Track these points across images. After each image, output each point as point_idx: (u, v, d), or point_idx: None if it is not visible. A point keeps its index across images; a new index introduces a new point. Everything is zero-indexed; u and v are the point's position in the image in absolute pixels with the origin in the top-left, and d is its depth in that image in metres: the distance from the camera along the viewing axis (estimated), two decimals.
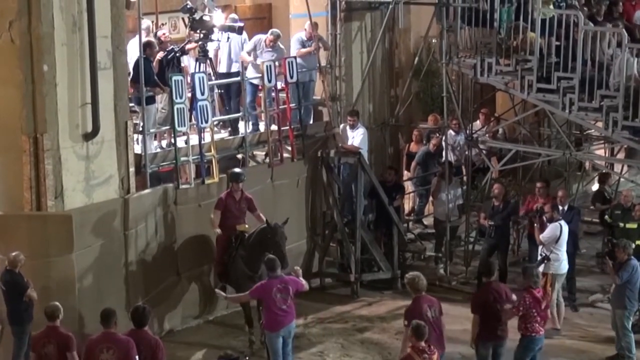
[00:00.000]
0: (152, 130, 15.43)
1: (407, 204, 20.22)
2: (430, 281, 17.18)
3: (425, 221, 20.04)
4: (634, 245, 14.81)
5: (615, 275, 14.13)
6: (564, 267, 15.42)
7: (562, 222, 15.41)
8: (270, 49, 17.27)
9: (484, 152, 18.59)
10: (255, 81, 16.96)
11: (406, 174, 20.02)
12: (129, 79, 15.02)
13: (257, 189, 16.26)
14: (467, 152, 18.46)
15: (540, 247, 15.38)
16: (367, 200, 17.57)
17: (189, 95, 15.41)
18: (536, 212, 15.87)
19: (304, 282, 13.28)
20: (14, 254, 12.97)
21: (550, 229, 15.34)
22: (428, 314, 12.04)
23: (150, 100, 15.34)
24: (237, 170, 15.45)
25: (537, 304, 12.64)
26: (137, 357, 11.12)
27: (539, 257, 15.25)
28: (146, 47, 15.36)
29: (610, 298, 14.78)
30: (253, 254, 14.47)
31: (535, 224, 15.61)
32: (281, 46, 17.46)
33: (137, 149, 15.03)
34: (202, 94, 15.39)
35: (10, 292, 13.03)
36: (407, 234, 18.69)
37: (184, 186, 15.21)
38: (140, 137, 15.25)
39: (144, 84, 14.94)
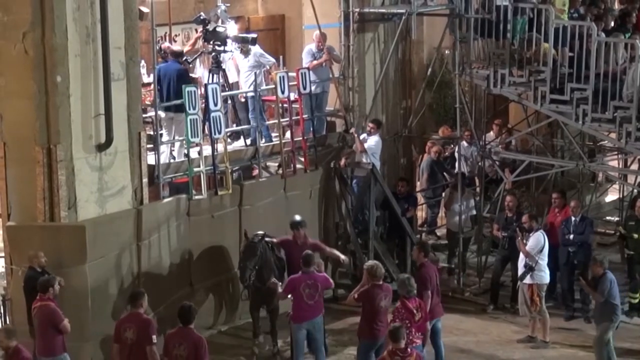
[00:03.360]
0: (165, 140, 15.42)
1: (420, 215, 20.15)
2: (443, 292, 17.20)
3: (439, 232, 19.98)
4: None
5: (596, 293, 13.91)
6: (548, 277, 15.39)
7: (543, 232, 15.50)
8: (243, 55, 17.08)
9: (497, 163, 18.51)
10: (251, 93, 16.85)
11: (419, 185, 19.95)
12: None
13: (269, 200, 16.27)
14: (480, 163, 18.39)
15: (524, 258, 15.31)
16: (379, 211, 17.50)
17: (202, 106, 15.37)
18: (516, 225, 15.88)
19: (330, 280, 14.19)
20: (32, 252, 13.04)
21: (535, 239, 15.33)
22: (382, 303, 12.89)
23: (181, 108, 15.25)
24: (297, 218, 15.17)
25: (410, 314, 12.47)
26: (154, 336, 11.91)
27: (523, 268, 15.25)
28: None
29: (594, 315, 14.48)
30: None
31: (518, 237, 15.51)
32: (256, 50, 17.06)
33: (163, 158, 15.18)
34: (215, 104, 15.34)
35: (27, 288, 12.99)
36: None
37: (197, 197, 15.15)
38: (164, 147, 15.46)
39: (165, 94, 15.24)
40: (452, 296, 17.36)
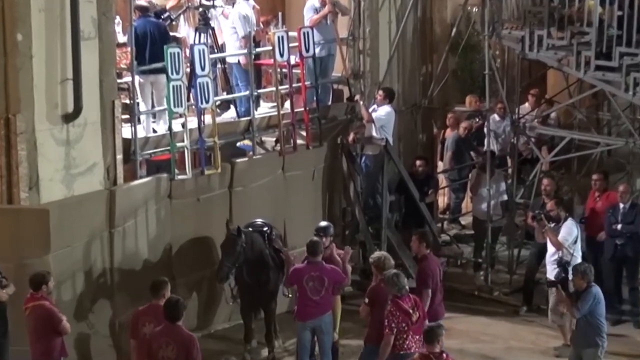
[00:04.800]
0: (143, 111, 15.45)
1: (442, 200, 20.16)
2: (469, 291, 17.26)
3: (463, 221, 20.07)
4: None
5: (573, 308, 13.53)
6: None
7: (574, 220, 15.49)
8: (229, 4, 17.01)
9: (533, 140, 18.50)
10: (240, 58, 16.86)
11: (440, 165, 19.97)
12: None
13: (265, 181, 16.32)
14: (512, 140, 18.37)
15: (554, 254, 15.27)
16: (394, 195, 17.52)
17: (187, 70, 15.37)
18: (539, 212, 15.80)
19: (348, 270, 14.13)
20: None
21: (567, 229, 15.31)
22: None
23: (161, 70, 15.24)
24: (323, 223, 14.97)
25: (407, 315, 12.35)
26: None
27: (554, 266, 15.15)
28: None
29: (573, 338, 14.08)
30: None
31: (546, 226, 15.41)
32: (239, 10, 16.95)
33: (140, 131, 15.17)
34: (203, 69, 15.33)
35: None
36: (441, 236, 18.68)
37: (180, 177, 15.18)
38: (144, 118, 15.43)
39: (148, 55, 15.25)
40: (479, 296, 17.40)
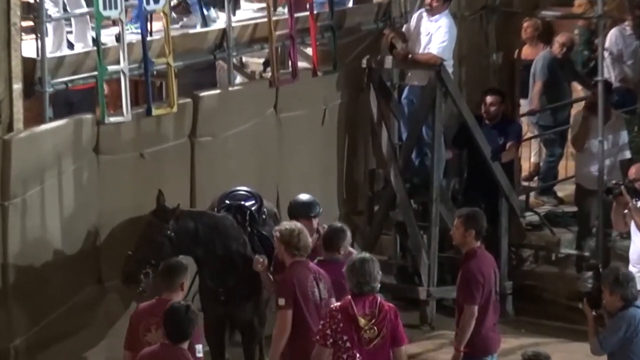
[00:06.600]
0: (56, 15, 15.29)
1: (527, 159, 20.00)
2: (569, 302, 17.16)
3: (560, 191, 20.12)
4: None
5: (594, 338, 13.07)
6: None
7: None
8: None
9: None
10: None
11: (524, 104, 19.81)
12: None
13: (248, 127, 16.34)
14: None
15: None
16: (451, 150, 17.42)
17: None
18: (618, 182, 15.76)
19: None
20: None
21: None
22: (315, 293, 12.95)
23: None
24: (303, 197, 14.85)
25: (351, 323, 11.99)
26: (198, 345, 12.00)
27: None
28: None
29: None
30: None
31: (629, 204, 15.30)
32: None
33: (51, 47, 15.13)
34: None
35: None
36: (525, 215, 18.73)
37: (113, 119, 15.05)
38: (50, 27, 15.33)
39: None
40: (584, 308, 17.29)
